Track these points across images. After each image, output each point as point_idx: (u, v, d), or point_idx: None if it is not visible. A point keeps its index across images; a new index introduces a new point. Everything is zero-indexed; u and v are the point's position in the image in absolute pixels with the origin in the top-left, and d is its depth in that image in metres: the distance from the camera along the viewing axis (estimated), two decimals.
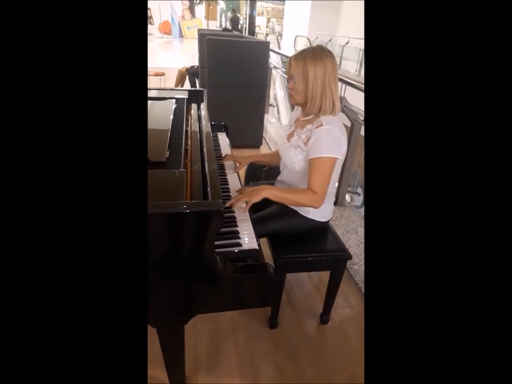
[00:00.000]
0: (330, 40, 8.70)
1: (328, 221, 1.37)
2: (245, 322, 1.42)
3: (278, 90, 5.93)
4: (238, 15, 16.23)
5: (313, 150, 1.14)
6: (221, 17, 17.24)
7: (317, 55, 1.10)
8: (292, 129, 1.29)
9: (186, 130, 1.34)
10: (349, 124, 2.12)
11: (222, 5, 16.48)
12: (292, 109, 3.80)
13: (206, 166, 1.03)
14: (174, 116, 1.32)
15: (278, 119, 4.69)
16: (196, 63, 4.89)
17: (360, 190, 3.74)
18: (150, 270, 0.65)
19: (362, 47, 6.98)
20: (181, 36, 16.62)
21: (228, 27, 9.02)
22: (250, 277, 0.79)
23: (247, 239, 0.95)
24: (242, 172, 1.55)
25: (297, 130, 1.23)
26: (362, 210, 3.20)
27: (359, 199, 3.90)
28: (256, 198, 1.12)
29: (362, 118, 2.06)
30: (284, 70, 3.97)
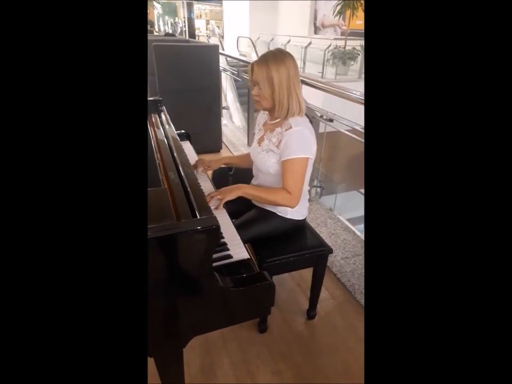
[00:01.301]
0: (272, 40, 8.87)
1: (305, 218, 1.40)
2: (235, 331, 1.40)
3: (227, 92, 5.92)
4: (177, 19, 15.96)
5: (284, 152, 1.16)
6: (158, 21, 16.74)
7: (278, 58, 1.11)
8: (261, 133, 1.29)
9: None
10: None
11: (158, 9, 15.99)
12: (248, 110, 3.81)
13: (182, 173, 0.99)
14: None
15: (231, 121, 4.68)
16: None
17: (318, 183, 3.85)
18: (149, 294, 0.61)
19: (304, 44, 7.22)
20: None
21: (169, 31, 8.83)
22: (252, 288, 0.77)
23: (236, 249, 0.94)
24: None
25: (267, 134, 1.24)
26: (321, 200, 3.30)
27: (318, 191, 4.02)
28: (231, 196, 1.15)
29: (319, 114, 2.13)
30: (232, 71, 3.96)
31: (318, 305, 1.50)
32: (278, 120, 1.21)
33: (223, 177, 1.79)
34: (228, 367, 1.26)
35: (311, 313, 1.47)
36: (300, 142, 1.15)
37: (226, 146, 3.48)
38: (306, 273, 1.40)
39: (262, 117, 1.35)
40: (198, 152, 1.67)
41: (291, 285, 1.69)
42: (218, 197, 1.13)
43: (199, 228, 0.64)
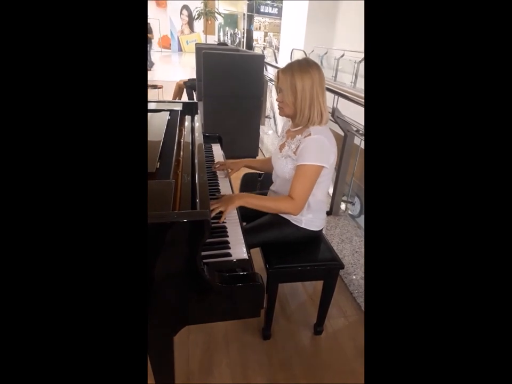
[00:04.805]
0: (326, 53, 8.84)
1: (321, 230, 1.37)
2: (238, 333, 1.41)
3: (274, 102, 6.00)
4: (236, 30, 16.65)
5: (299, 157, 1.16)
6: (219, 31, 17.60)
7: (303, 67, 1.13)
8: (283, 140, 1.31)
9: (179, 142, 1.36)
10: (342, 134, 2.15)
11: (220, 20, 16.82)
12: None
13: (197, 176, 1.04)
14: (167, 127, 1.34)
15: (275, 131, 4.73)
16: (194, 76, 4.96)
17: (356, 199, 3.73)
18: None
19: (357, 59, 7.09)
20: (180, 50, 16.89)
21: (223, 41, 9.22)
22: (238, 287, 0.79)
23: (237, 249, 0.96)
24: (237, 182, 1.57)
25: (288, 141, 1.26)
26: (359, 220, 3.19)
27: (356, 209, 3.89)
28: (232, 207, 1.11)
29: (355, 129, 2.09)
30: None
31: (327, 322, 1.46)
32: (299, 127, 1.22)
33: (252, 182, 1.84)
34: (225, 367, 1.27)
35: (318, 328, 1.43)
36: (316, 150, 1.15)
37: (263, 154, 3.53)
38: (321, 287, 1.37)
39: (286, 124, 1.37)
40: (234, 156, 1.70)
41: (303, 297, 1.66)
42: (220, 209, 1.07)
43: (187, 219, 0.67)
